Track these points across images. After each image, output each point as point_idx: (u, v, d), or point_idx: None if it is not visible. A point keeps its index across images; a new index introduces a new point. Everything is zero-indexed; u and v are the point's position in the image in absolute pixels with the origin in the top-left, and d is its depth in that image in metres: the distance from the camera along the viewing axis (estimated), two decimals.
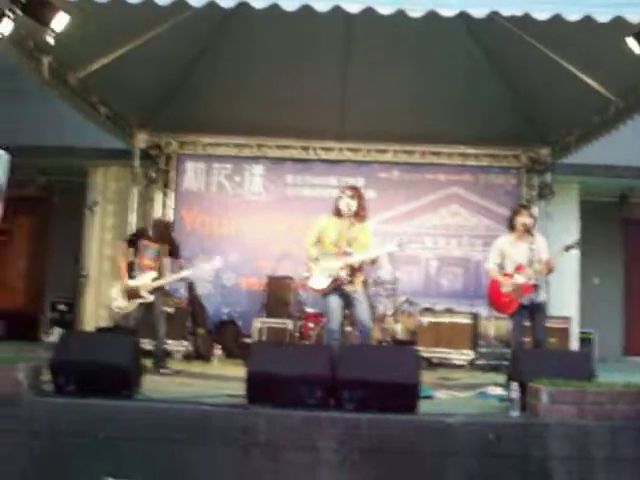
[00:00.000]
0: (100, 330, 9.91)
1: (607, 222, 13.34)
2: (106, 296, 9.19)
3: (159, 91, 11.11)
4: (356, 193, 7.77)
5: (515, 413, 6.04)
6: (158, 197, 12.49)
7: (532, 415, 5.92)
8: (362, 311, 7.61)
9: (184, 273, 9.10)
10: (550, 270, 8.19)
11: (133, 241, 9.03)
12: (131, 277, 8.82)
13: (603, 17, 5.74)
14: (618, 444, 5.59)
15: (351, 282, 7.56)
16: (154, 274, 8.79)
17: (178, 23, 8.64)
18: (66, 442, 5.67)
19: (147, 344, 8.63)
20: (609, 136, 9.83)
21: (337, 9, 5.78)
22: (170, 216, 12.42)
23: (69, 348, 6.39)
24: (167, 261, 9.02)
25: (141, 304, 8.71)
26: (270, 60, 10.65)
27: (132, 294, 8.70)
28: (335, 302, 7.60)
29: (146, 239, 8.95)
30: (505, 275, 8.18)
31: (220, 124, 11.88)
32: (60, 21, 7.01)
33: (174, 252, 9.06)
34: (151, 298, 8.72)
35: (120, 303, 8.72)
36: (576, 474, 5.54)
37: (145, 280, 8.74)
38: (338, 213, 7.71)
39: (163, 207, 12.50)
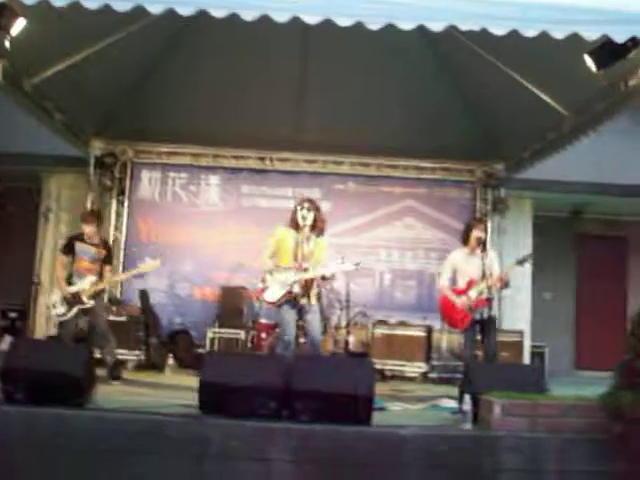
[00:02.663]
0: (50, 338, 9.77)
1: (560, 237, 13.49)
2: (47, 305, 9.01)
3: (115, 98, 11.02)
4: (313, 205, 7.79)
5: (467, 425, 6.08)
6: (112, 206, 12.37)
7: (484, 427, 5.94)
8: (313, 323, 7.63)
9: (124, 275, 8.98)
10: (505, 284, 8.26)
11: (68, 247, 8.81)
12: (70, 283, 8.63)
13: (559, 34, 5.81)
14: (569, 457, 5.65)
15: (305, 296, 7.58)
16: (93, 278, 8.63)
17: (134, 31, 8.60)
18: (15, 451, 5.57)
19: (98, 353, 8.49)
20: (562, 151, 9.95)
21: (296, 20, 5.78)
22: (124, 225, 12.34)
23: (19, 355, 6.27)
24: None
25: (81, 310, 8.56)
26: (226, 70, 10.63)
27: (72, 300, 8.53)
28: (289, 314, 7.63)
29: (81, 242, 8.75)
30: (458, 293, 8.21)
31: (176, 133, 11.83)
32: (17, 26, 6.94)
33: (107, 257, 8.90)
34: (91, 303, 8.56)
35: (59, 310, 8.54)
36: None
37: (84, 285, 8.57)
38: (295, 225, 7.72)
39: (117, 216, 12.39)
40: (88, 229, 8.74)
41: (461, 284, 8.24)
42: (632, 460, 5.50)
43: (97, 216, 9.20)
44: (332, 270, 7.89)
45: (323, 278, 7.90)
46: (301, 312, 7.66)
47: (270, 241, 7.86)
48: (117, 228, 12.34)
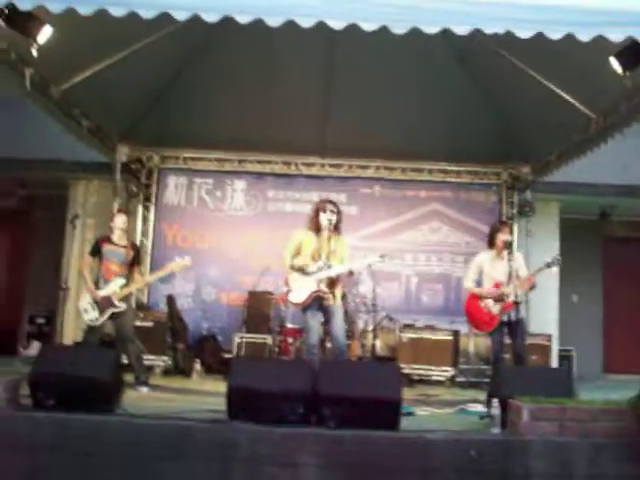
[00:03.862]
0: (77, 344, 9.82)
1: (587, 240, 13.44)
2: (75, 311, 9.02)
3: (141, 105, 11.08)
4: (337, 208, 7.87)
5: (496, 430, 6.06)
6: (139, 211, 12.44)
7: (513, 432, 5.92)
8: (337, 323, 7.66)
9: (154, 275, 8.98)
10: (532, 287, 8.23)
11: (96, 250, 8.78)
12: (97, 286, 8.60)
13: (585, 36, 5.78)
14: (598, 461, 5.61)
15: (330, 295, 7.62)
16: (123, 280, 8.61)
17: (161, 37, 8.64)
18: (45, 457, 5.61)
19: (125, 358, 8.51)
20: (589, 154, 9.89)
21: (321, 25, 5.79)
22: (150, 230, 12.41)
23: (48, 362, 6.32)
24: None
25: (113, 314, 8.54)
26: (252, 75, 10.66)
27: (104, 304, 8.51)
28: (314, 316, 7.68)
29: (109, 243, 8.73)
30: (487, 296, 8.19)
31: (202, 138, 11.88)
32: (44, 33, 7.00)
33: (136, 258, 8.91)
34: (123, 306, 8.56)
35: (92, 315, 8.50)
36: None
37: (114, 288, 8.55)
38: (317, 228, 7.78)
39: (144, 221, 12.47)
40: (119, 220, 8.79)
41: (487, 287, 8.21)
42: None
43: (125, 214, 9.25)
44: (356, 264, 7.92)
45: (350, 273, 7.95)
46: (326, 313, 7.69)
47: (290, 245, 7.92)
48: (144, 234, 12.40)
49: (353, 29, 5.81)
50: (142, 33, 8.53)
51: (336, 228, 7.86)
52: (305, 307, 7.71)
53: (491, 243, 8.36)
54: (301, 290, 7.71)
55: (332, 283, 7.71)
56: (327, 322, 7.79)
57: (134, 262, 8.85)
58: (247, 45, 9.61)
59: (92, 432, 5.71)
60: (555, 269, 9.57)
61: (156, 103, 11.22)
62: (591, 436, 5.73)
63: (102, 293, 8.55)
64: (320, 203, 8.09)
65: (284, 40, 7.73)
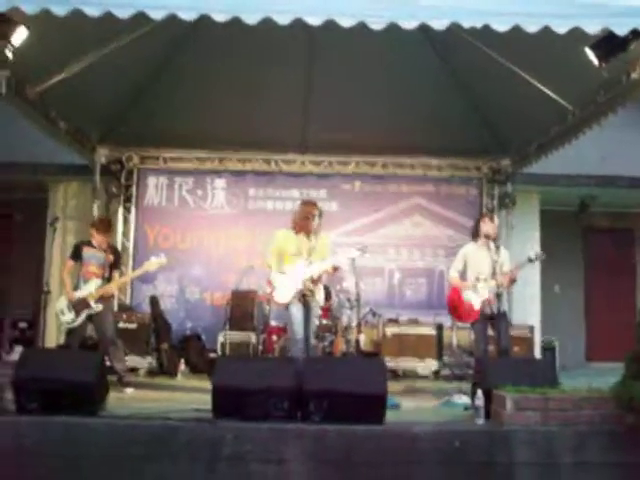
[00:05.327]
0: (60, 347, 9.78)
1: (567, 231, 13.54)
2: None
3: (119, 105, 11.05)
4: (319, 211, 7.92)
5: (480, 421, 6.09)
6: (119, 213, 12.40)
7: (497, 422, 5.96)
8: (311, 322, 7.74)
9: (130, 275, 8.97)
10: (512, 282, 8.29)
11: (77, 254, 8.77)
12: (77, 289, 8.58)
13: (561, 28, 5.81)
14: (582, 449, 5.66)
15: (312, 293, 7.66)
16: (99, 281, 8.58)
17: (138, 37, 8.60)
18: (29, 461, 5.59)
19: (107, 360, 8.47)
20: (569, 146, 9.96)
21: (298, 22, 5.80)
22: (132, 231, 12.37)
23: (31, 365, 6.30)
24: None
25: (89, 315, 8.50)
26: (231, 73, 10.63)
27: (80, 306, 8.47)
28: (298, 313, 7.68)
29: (89, 247, 8.74)
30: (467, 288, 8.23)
31: (181, 138, 11.84)
32: (19, 35, 6.96)
33: (115, 262, 8.87)
34: (99, 307, 8.51)
35: (68, 317, 8.47)
36: (542, 479, 5.60)
37: (90, 288, 8.53)
38: (298, 229, 7.81)
39: (125, 222, 12.42)
40: (99, 238, 8.75)
41: (471, 278, 8.26)
42: None
43: (110, 225, 9.25)
44: (337, 260, 7.94)
45: (335, 269, 8.02)
46: (307, 309, 7.74)
47: (272, 245, 7.97)
48: (125, 235, 12.35)
49: (331, 25, 5.83)
50: (119, 33, 8.48)
51: (317, 227, 7.91)
52: (288, 305, 7.73)
53: (475, 235, 8.42)
54: (285, 289, 7.73)
55: (314, 280, 7.74)
56: (311, 317, 7.84)
57: (114, 266, 8.84)
58: (226, 44, 9.59)
59: (76, 435, 5.71)
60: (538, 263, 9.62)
61: (134, 104, 11.17)
62: (575, 425, 5.78)
63: (77, 295, 8.52)
64: (305, 208, 8.04)
65: (263, 38, 7.72)
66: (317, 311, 7.93)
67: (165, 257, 9.02)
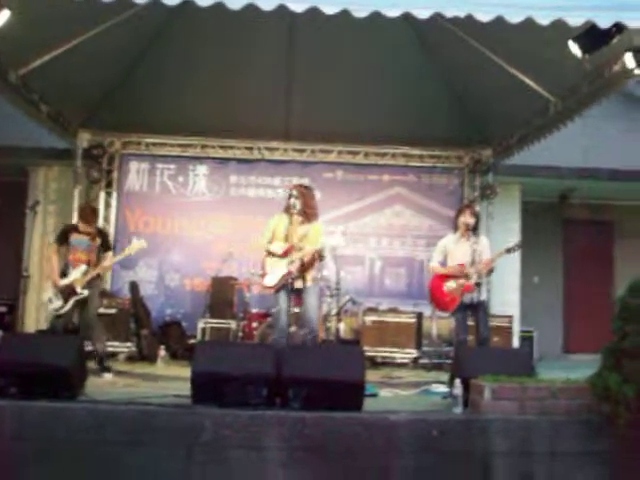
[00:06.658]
0: (40, 332, 9.75)
1: (547, 222, 13.62)
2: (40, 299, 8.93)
3: (102, 90, 11.02)
4: (300, 192, 7.88)
5: (458, 410, 6.12)
6: (101, 197, 12.35)
7: (475, 411, 5.99)
8: (308, 308, 7.71)
9: (110, 260, 8.95)
10: (490, 271, 8.33)
11: (63, 238, 8.74)
12: (65, 275, 8.57)
13: (544, 20, 5.85)
14: (558, 438, 5.70)
15: (301, 278, 7.66)
16: (85, 267, 8.54)
17: (121, 21, 8.58)
18: (8, 445, 5.58)
19: (88, 345, 8.45)
20: (550, 137, 10.00)
21: (282, 8, 5.78)
22: (113, 216, 12.33)
23: (10, 350, 6.27)
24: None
25: (77, 301, 8.49)
26: (214, 60, 10.63)
27: (67, 293, 8.46)
28: (284, 300, 7.70)
29: (76, 232, 8.71)
30: (447, 277, 8.26)
31: (164, 124, 11.81)
32: (1, 17, 6.91)
33: (105, 244, 8.86)
34: (85, 293, 8.49)
35: (56, 304, 8.46)
36: (517, 468, 5.64)
37: (77, 275, 8.51)
38: (288, 211, 7.83)
39: (106, 207, 12.37)
40: (85, 226, 8.72)
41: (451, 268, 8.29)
42: (620, 440, 5.57)
43: (95, 213, 9.22)
44: (321, 244, 7.93)
45: (320, 258, 8.04)
46: (296, 296, 7.75)
47: (267, 228, 7.98)
48: (106, 220, 12.30)
49: (314, 13, 5.82)
50: (102, 17, 8.45)
51: (305, 213, 7.87)
52: (276, 290, 7.75)
53: (455, 226, 8.45)
54: (273, 274, 7.76)
55: (303, 266, 7.73)
56: (297, 305, 7.85)
57: (104, 247, 8.83)
58: (208, 30, 9.58)
59: (55, 419, 5.68)
60: (517, 253, 9.67)
61: (117, 88, 11.14)
62: (551, 414, 5.82)
63: (64, 282, 8.50)
64: (289, 186, 8.14)
65: (245, 25, 7.72)
66: (311, 296, 7.83)
67: (144, 241, 9.01)
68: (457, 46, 9.27)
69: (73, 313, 8.64)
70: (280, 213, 8.01)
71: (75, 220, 8.89)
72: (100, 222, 11.96)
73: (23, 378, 5.95)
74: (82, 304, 8.57)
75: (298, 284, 7.72)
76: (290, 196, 7.86)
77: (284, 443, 5.58)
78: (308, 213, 7.86)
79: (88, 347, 8.22)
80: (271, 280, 7.77)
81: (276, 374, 6.02)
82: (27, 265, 9.43)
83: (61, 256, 8.79)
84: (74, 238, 8.68)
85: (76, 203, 11.78)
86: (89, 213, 9.02)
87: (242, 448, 5.58)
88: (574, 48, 7.12)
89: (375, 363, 10.58)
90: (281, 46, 10.47)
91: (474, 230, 8.33)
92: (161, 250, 12.08)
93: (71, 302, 8.47)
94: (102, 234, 9.02)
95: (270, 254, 7.83)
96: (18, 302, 11.46)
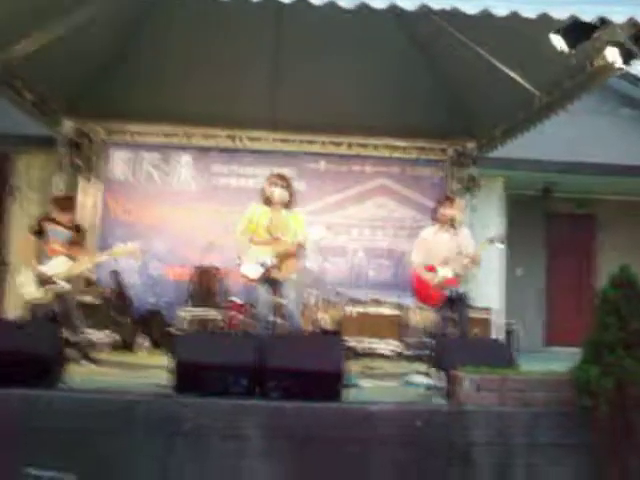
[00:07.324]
0: (20, 320, 9.67)
1: (530, 215, 13.66)
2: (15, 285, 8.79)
3: (86, 78, 10.94)
4: (287, 183, 7.87)
5: (438, 401, 6.14)
6: (84, 186, 12.28)
7: (455, 402, 6.01)
8: (289, 299, 7.70)
9: (100, 258, 8.88)
10: (475, 264, 8.34)
11: (38, 228, 8.58)
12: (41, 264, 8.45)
13: (530, 13, 5.85)
14: (538, 430, 5.74)
15: (280, 269, 7.64)
16: (65, 259, 8.43)
17: (105, 8, 8.52)
18: None
19: (67, 333, 8.37)
20: (534, 130, 10.03)
21: None
22: (98, 205, 12.27)
23: None
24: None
25: (55, 293, 8.37)
26: (198, 47, 10.57)
27: (46, 282, 8.34)
28: (265, 292, 7.67)
29: (52, 223, 8.57)
30: (430, 270, 8.26)
31: (148, 112, 11.71)
32: None
33: (81, 239, 8.74)
34: (67, 287, 8.40)
35: (35, 294, 8.33)
36: (498, 459, 5.67)
37: (58, 267, 8.38)
38: (268, 202, 7.79)
39: (89, 196, 12.28)
40: (62, 216, 8.60)
41: (432, 261, 8.29)
42: (599, 432, 5.60)
43: (72, 202, 9.11)
44: (304, 235, 7.91)
45: (300, 246, 7.96)
46: (276, 286, 7.73)
47: (244, 218, 7.91)
48: (88, 208, 12.19)
49: (301, 2, 5.79)
50: (85, 3, 8.39)
51: (288, 203, 7.87)
52: (258, 282, 7.73)
53: (435, 217, 8.46)
54: (253, 265, 7.72)
55: (283, 256, 7.71)
56: (279, 295, 7.83)
57: (79, 243, 8.69)
58: (193, 16, 9.53)
59: (33, 407, 5.67)
60: (500, 245, 9.69)
61: (101, 76, 11.06)
62: (530, 406, 5.86)
63: (44, 270, 8.39)
64: (271, 177, 8.09)
65: (231, 12, 7.67)
66: (291, 287, 7.86)
67: (134, 246, 8.79)
68: (443, 39, 9.28)
69: (51, 303, 8.54)
70: (258, 203, 7.97)
71: (50, 209, 8.72)
72: (83, 211, 11.93)
73: (1, 366, 5.92)
74: (59, 295, 8.44)
75: (278, 275, 7.70)
76: (275, 186, 7.82)
77: (264, 432, 5.59)
78: (290, 203, 7.86)
79: (67, 336, 8.19)
80: (250, 271, 7.73)
81: (256, 364, 6.03)
82: (7, 253, 9.35)
83: (37, 246, 8.65)
84: (51, 229, 8.55)
85: (59, 191, 11.68)
86: (61, 200, 8.93)
87: (222, 437, 5.59)
88: (557, 42, 7.13)
89: (357, 354, 10.57)
90: (267, 34, 10.43)
91: (453, 222, 8.34)
92: (144, 239, 11.94)
93: (50, 293, 8.34)
94: (79, 228, 8.85)
95: (251, 244, 7.79)
96: None
